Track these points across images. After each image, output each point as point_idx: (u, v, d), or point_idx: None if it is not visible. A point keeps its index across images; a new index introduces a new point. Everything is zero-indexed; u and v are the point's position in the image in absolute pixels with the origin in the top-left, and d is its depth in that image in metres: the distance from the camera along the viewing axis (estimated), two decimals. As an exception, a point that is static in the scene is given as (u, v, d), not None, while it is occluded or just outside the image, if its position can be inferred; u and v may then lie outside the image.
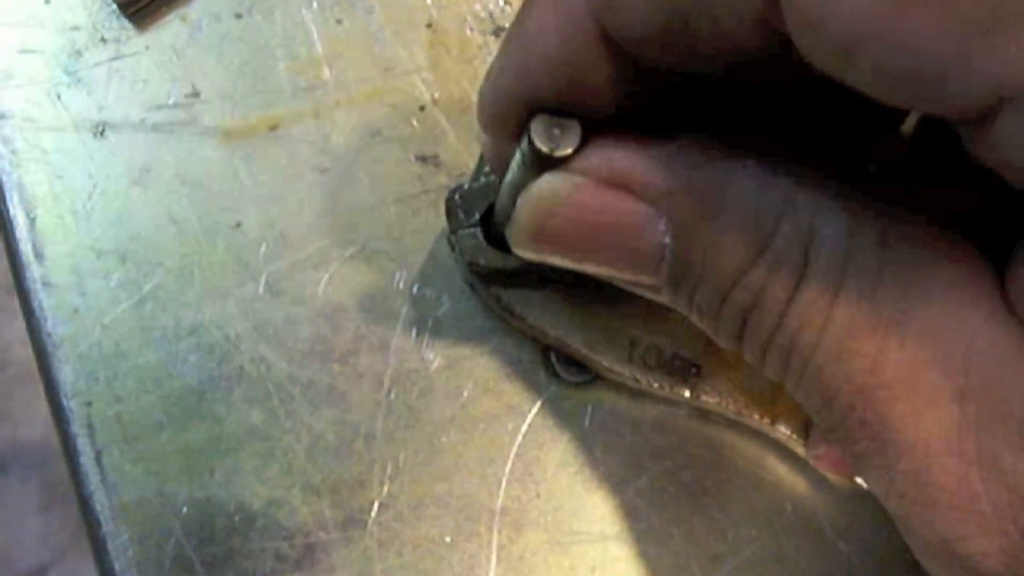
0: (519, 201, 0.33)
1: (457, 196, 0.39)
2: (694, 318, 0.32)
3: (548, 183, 0.32)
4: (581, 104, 0.31)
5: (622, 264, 0.32)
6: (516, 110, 0.31)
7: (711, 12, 0.26)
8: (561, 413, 0.41)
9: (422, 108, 0.43)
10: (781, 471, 0.41)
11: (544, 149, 0.31)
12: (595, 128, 0.31)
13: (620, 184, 0.31)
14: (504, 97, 0.32)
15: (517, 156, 0.33)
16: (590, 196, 0.31)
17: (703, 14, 0.27)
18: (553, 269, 0.34)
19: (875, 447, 0.29)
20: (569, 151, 0.31)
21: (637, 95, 0.31)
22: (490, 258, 0.39)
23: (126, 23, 0.43)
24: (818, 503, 0.41)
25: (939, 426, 0.28)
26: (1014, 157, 0.25)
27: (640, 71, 0.30)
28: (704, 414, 0.41)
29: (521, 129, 0.32)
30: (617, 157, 0.31)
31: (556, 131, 0.31)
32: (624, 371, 0.40)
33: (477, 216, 0.39)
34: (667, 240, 0.31)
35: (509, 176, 0.34)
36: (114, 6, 0.43)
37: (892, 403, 0.28)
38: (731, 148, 0.31)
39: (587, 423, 0.41)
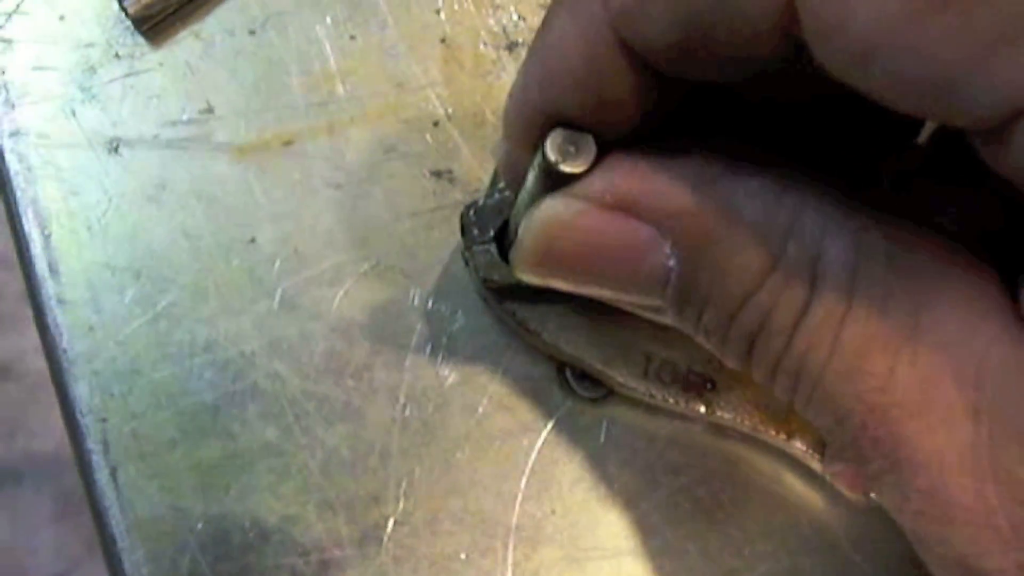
0: (522, 226, 0.33)
1: (471, 212, 0.39)
2: (700, 339, 0.32)
3: (551, 207, 0.32)
4: (601, 116, 0.31)
5: (626, 287, 0.32)
6: (538, 121, 0.31)
7: (729, 20, 0.26)
8: (576, 429, 0.41)
9: (436, 123, 0.43)
10: (797, 486, 0.41)
11: (555, 162, 0.31)
12: (609, 148, 0.31)
13: (624, 207, 0.31)
14: (527, 108, 0.32)
15: (531, 173, 0.33)
16: (593, 220, 0.31)
17: (721, 22, 0.27)
18: None
19: (889, 465, 0.29)
20: (581, 168, 0.31)
21: (655, 109, 0.31)
22: (504, 274, 0.39)
23: (140, 39, 0.43)
24: (834, 518, 0.41)
25: (953, 443, 0.28)
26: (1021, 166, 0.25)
27: (659, 82, 0.30)
28: (720, 429, 0.41)
29: (540, 142, 0.32)
30: (621, 180, 0.31)
31: (571, 148, 0.31)
32: (639, 387, 0.40)
33: (491, 232, 0.39)
34: (672, 263, 0.31)
35: (523, 192, 0.34)
36: (128, 22, 0.43)
37: (905, 421, 0.28)
38: (737, 167, 0.31)
39: (602, 439, 0.41)
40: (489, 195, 0.39)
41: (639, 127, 0.31)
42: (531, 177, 0.33)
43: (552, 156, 0.31)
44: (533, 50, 0.31)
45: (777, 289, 0.29)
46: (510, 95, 0.32)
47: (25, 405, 1.43)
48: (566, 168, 0.31)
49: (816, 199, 0.30)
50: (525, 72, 0.31)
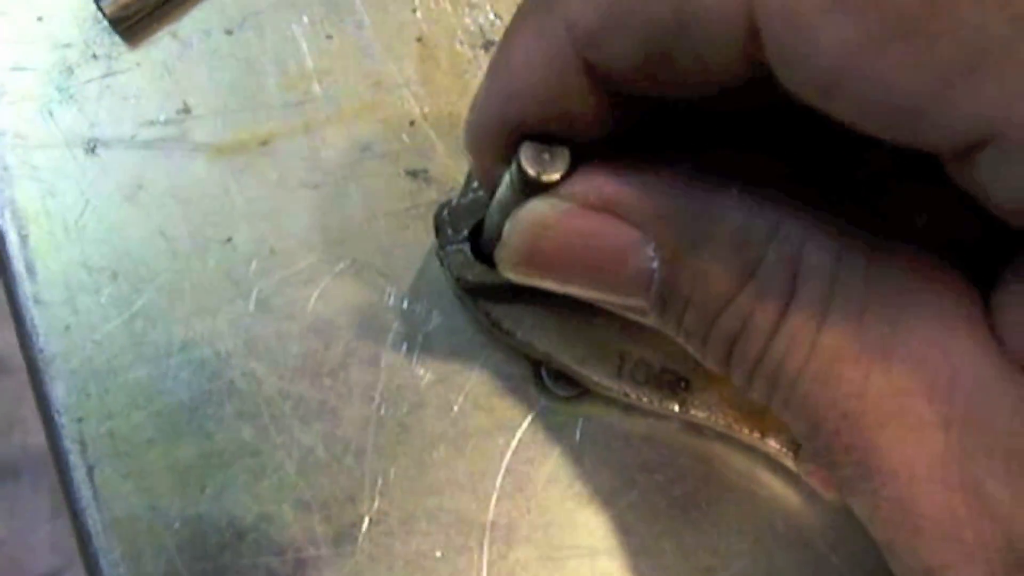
0: (507, 225, 0.33)
1: (445, 212, 0.39)
2: (681, 341, 0.33)
3: (536, 207, 0.32)
4: (567, 131, 0.31)
5: (610, 288, 0.33)
6: (501, 136, 0.32)
7: (692, 46, 0.27)
8: (552, 427, 0.41)
9: (412, 123, 0.43)
10: (773, 484, 0.41)
11: (533, 174, 0.31)
12: (584, 152, 0.31)
13: (608, 209, 0.31)
14: (489, 124, 0.32)
15: (506, 178, 0.33)
16: (579, 221, 0.32)
17: (684, 48, 0.27)
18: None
19: (860, 472, 0.29)
20: (558, 176, 0.31)
21: (623, 121, 0.31)
22: (478, 273, 0.39)
23: (117, 40, 0.43)
24: (810, 516, 0.41)
25: (924, 453, 0.28)
26: (994, 192, 0.25)
27: (625, 99, 0.30)
28: (695, 428, 0.41)
29: (507, 153, 0.32)
30: (605, 182, 0.31)
31: (546, 156, 0.31)
32: (613, 386, 0.40)
33: (465, 232, 0.39)
34: (655, 265, 0.31)
35: (497, 196, 0.34)
36: (106, 23, 0.43)
37: (877, 429, 0.28)
38: (719, 173, 0.31)
39: (578, 437, 0.41)
40: (463, 195, 0.39)
41: (611, 133, 0.31)
42: (506, 185, 0.33)
43: (529, 169, 0.31)
44: (495, 67, 0.31)
45: (756, 294, 0.29)
46: (471, 111, 0.33)
47: (21, 399, 1.43)
48: (544, 178, 0.31)
49: (796, 206, 0.30)
50: (488, 89, 0.32)
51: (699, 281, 0.30)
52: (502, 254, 0.34)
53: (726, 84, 0.28)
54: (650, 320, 0.33)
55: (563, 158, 0.31)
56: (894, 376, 0.28)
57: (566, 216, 0.32)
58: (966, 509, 0.27)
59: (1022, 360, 0.27)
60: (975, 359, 0.28)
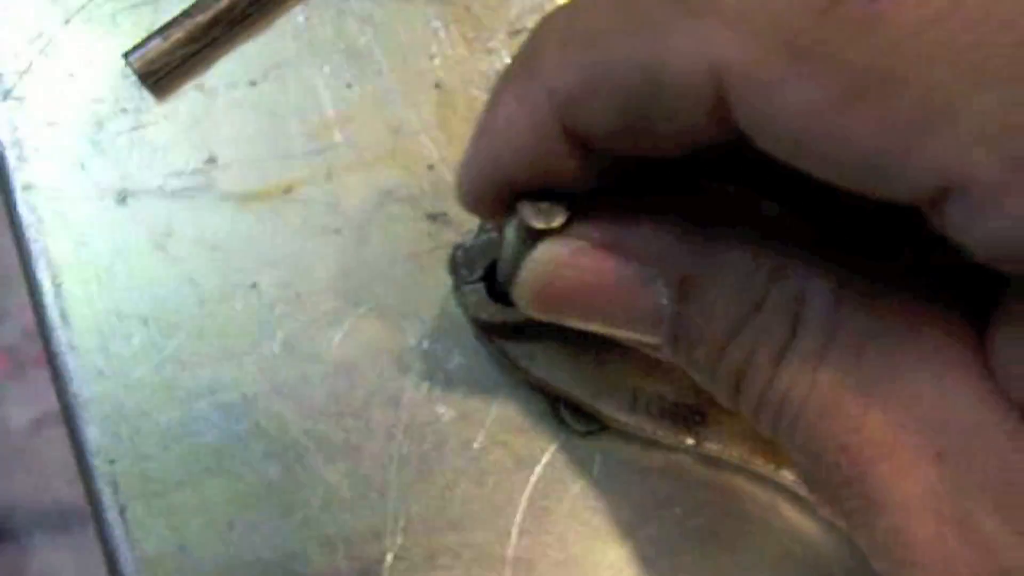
0: (523, 265, 0.34)
1: (460, 252, 0.40)
2: (694, 375, 0.33)
3: (549, 249, 0.33)
4: (556, 187, 0.32)
5: (624, 324, 0.33)
6: (491, 195, 0.33)
7: (666, 112, 0.28)
8: (571, 463, 0.42)
9: (431, 167, 0.44)
10: (790, 515, 0.42)
11: (536, 226, 0.32)
12: (582, 200, 0.33)
13: (618, 248, 0.32)
14: (479, 186, 0.33)
15: (510, 230, 0.34)
16: (590, 259, 0.33)
17: (659, 114, 0.28)
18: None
19: (859, 505, 0.30)
20: (560, 221, 0.32)
21: (616, 171, 0.32)
22: (493, 312, 0.40)
23: (146, 94, 0.45)
24: (827, 546, 0.41)
25: (918, 486, 0.28)
26: (963, 240, 0.25)
27: (609, 158, 0.31)
28: (712, 460, 0.41)
29: (502, 209, 0.33)
30: (611, 223, 0.32)
31: (544, 205, 0.32)
32: (628, 420, 0.41)
33: (480, 271, 0.40)
34: (665, 301, 0.32)
35: (507, 240, 0.35)
36: (134, 78, 0.44)
37: (875, 462, 0.29)
38: (720, 212, 0.32)
39: (597, 472, 0.42)
40: (478, 236, 0.40)
41: (607, 183, 0.33)
42: (513, 230, 0.34)
43: (531, 222, 0.32)
44: (481, 131, 0.33)
45: (760, 331, 0.30)
46: (459, 170, 0.34)
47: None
48: (547, 226, 0.32)
49: (798, 246, 0.31)
50: (475, 152, 0.33)
51: (706, 317, 0.31)
52: (518, 293, 0.35)
53: (704, 143, 0.29)
54: (664, 355, 0.34)
55: (561, 207, 0.32)
56: (890, 411, 0.29)
57: (578, 255, 0.33)
58: (958, 541, 0.28)
59: (1015, 396, 0.28)
60: (968, 395, 0.28)
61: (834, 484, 0.30)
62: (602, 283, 0.33)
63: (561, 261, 0.33)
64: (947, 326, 0.29)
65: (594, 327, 0.34)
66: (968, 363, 0.29)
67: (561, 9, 0.31)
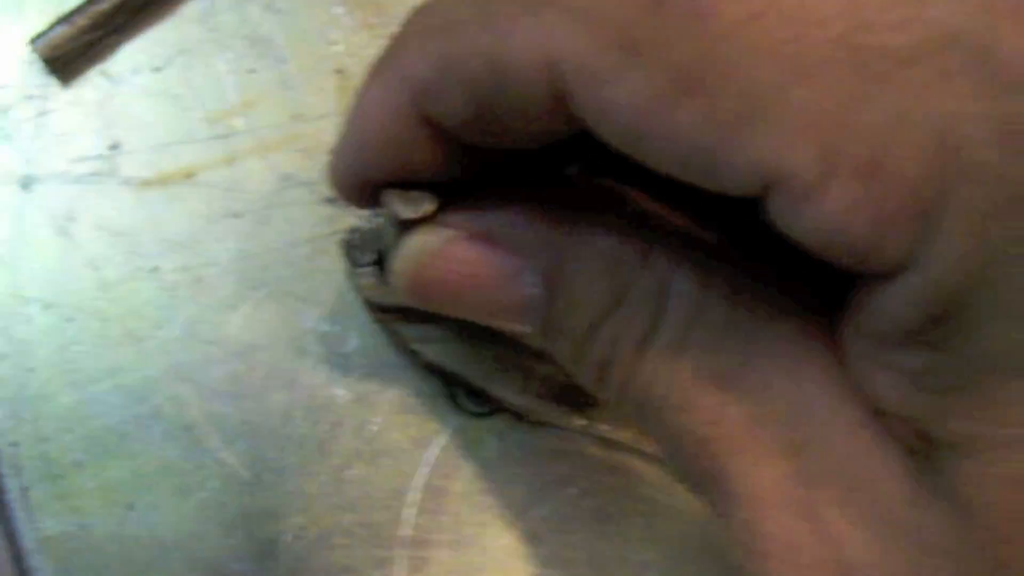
0: (395, 255, 0.35)
1: (354, 236, 0.41)
2: (564, 365, 0.34)
3: (419, 239, 0.34)
4: (422, 176, 0.32)
5: (496, 314, 0.34)
6: (358, 182, 0.33)
7: (510, 103, 0.28)
8: (466, 444, 0.43)
9: (331, 151, 0.44)
10: (684, 496, 0.42)
11: (404, 215, 0.33)
12: (451, 189, 0.33)
13: (488, 238, 0.33)
14: (346, 173, 0.34)
15: (385, 217, 0.35)
16: (461, 249, 0.33)
17: (504, 105, 0.28)
18: None
19: (719, 497, 0.30)
20: (429, 209, 0.33)
21: (479, 164, 0.33)
22: (385, 295, 0.40)
23: (51, 79, 0.45)
24: (720, 527, 0.42)
25: (771, 479, 0.29)
26: (790, 233, 0.26)
27: (474, 148, 0.31)
28: (606, 441, 0.42)
29: (371, 197, 0.33)
30: (481, 214, 0.33)
31: (413, 193, 0.33)
32: (520, 402, 0.41)
33: (373, 255, 0.40)
34: (536, 291, 0.32)
35: (384, 231, 0.36)
36: (40, 64, 0.45)
37: (731, 455, 0.29)
38: (589, 200, 0.32)
39: (491, 453, 0.43)
40: (370, 220, 0.41)
41: (476, 172, 0.33)
42: (385, 222, 0.35)
43: (399, 211, 0.33)
44: (348, 118, 0.33)
45: (623, 322, 0.31)
46: (331, 159, 0.34)
47: None
48: (416, 215, 0.33)
49: (664, 235, 0.31)
50: (342, 140, 0.34)
51: (571, 307, 0.32)
52: (394, 281, 0.36)
53: (556, 135, 0.29)
54: (538, 343, 0.35)
55: (430, 196, 0.33)
56: (747, 404, 0.29)
57: (449, 245, 0.33)
58: (806, 532, 0.28)
59: (866, 390, 0.28)
60: (822, 390, 0.29)
61: (695, 475, 0.31)
62: (473, 273, 0.33)
63: (431, 251, 0.33)
64: (804, 322, 0.30)
65: (469, 316, 0.35)
66: (824, 358, 0.29)
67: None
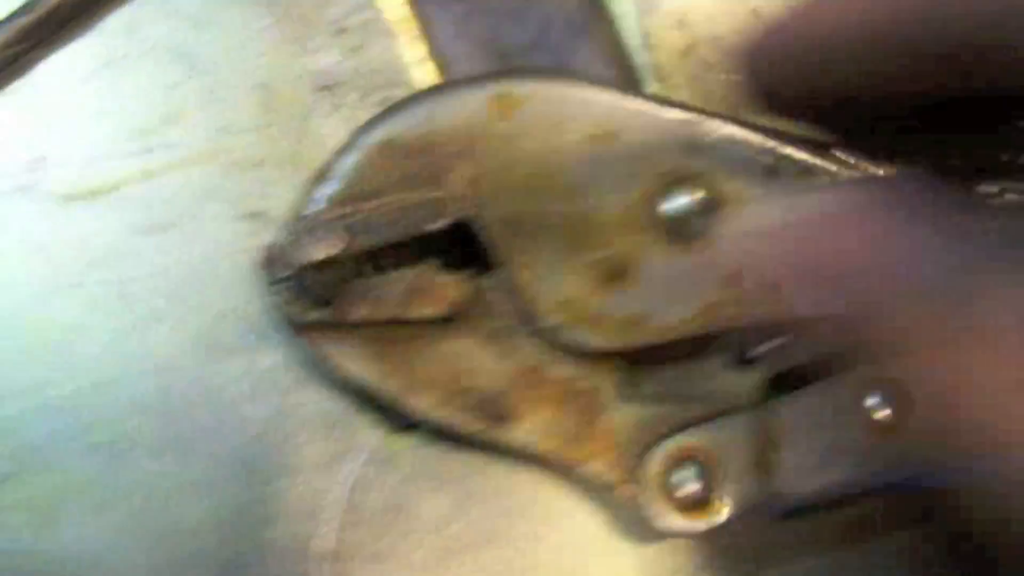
0: None
1: (273, 251, 0.41)
2: None
3: None
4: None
5: None
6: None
7: None
8: (385, 459, 0.43)
9: (254, 166, 0.44)
10: (600, 512, 0.43)
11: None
12: None
13: None
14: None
15: None
16: None
17: None
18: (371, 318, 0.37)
19: None
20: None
21: None
22: (304, 310, 0.40)
23: (-25, 92, 0.45)
24: (633, 543, 0.42)
25: None
26: None
27: None
28: (523, 456, 0.42)
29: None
30: None
31: None
32: (438, 416, 0.41)
33: (291, 270, 0.40)
34: None
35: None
36: (-37, 75, 0.45)
37: None
38: None
39: (411, 467, 0.43)
40: (288, 234, 0.41)
41: None
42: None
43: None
44: None
45: None
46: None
47: None
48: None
49: None
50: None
51: None
52: None
53: None
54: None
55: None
56: None
57: None
58: None
59: None
60: None
61: None
62: None
63: None
64: None
65: None
66: None
67: None
